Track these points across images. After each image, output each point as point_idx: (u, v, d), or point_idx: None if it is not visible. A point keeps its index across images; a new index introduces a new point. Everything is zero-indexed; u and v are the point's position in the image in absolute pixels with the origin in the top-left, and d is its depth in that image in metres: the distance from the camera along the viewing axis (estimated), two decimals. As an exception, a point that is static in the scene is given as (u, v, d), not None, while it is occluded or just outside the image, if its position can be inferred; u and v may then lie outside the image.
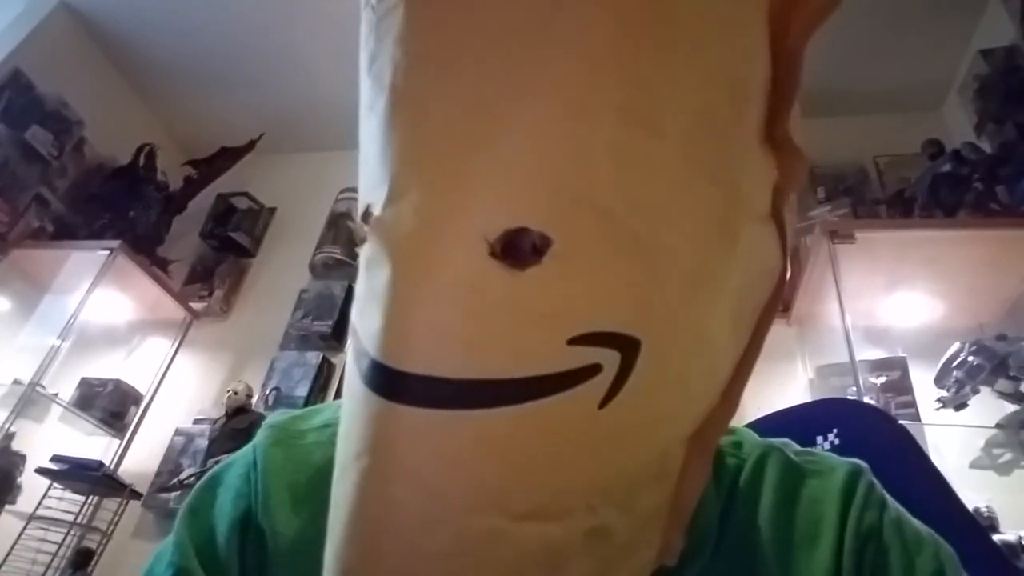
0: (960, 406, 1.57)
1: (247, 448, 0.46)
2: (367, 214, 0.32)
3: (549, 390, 0.29)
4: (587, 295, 0.30)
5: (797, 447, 0.45)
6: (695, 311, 0.33)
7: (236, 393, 2.03)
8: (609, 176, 0.29)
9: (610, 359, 0.30)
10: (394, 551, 0.30)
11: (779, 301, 0.37)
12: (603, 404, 0.30)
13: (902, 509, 0.41)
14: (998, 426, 1.61)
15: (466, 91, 0.29)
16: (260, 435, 0.46)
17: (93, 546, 1.95)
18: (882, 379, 1.72)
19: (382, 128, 0.31)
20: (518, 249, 0.29)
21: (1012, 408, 1.58)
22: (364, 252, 0.32)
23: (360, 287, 0.33)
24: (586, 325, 0.30)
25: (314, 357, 2.18)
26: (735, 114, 0.32)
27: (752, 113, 0.32)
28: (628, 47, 0.29)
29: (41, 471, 1.94)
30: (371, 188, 0.32)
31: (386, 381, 0.29)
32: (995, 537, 1.41)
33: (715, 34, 0.30)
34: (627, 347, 0.30)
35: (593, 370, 0.30)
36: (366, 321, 0.31)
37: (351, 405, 0.32)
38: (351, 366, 0.33)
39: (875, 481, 0.41)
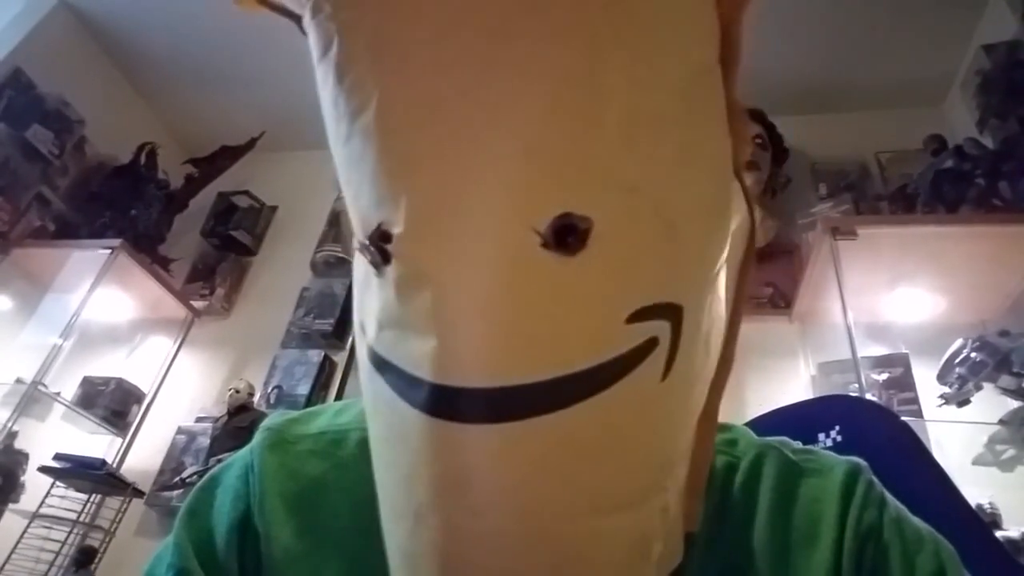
0: (963, 402, 1.56)
1: (245, 450, 0.46)
2: (383, 234, 0.29)
3: (620, 373, 0.30)
4: (634, 270, 0.30)
5: (795, 445, 0.45)
6: (711, 269, 0.34)
7: (238, 391, 2.04)
8: (628, 150, 0.29)
9: (663, 330, 0.31)
10: None
11: (753, 257, 0.39)
12: (664, 376, 0.31)
13: (902, 507, 0.41)
14: (1001, 422, 1.61)
15: (472, 88, 0.28)
16: (257, 437, 0.46)
17: (96, 544, 1.95)
18: (884, 376, 1.71)
19: (379, 140, 0.29)
20: (566, 235, 0.28)
21: (1015, 404, 1.58)
22: (388, 275, 0.30)
23: (387, 314, 0.31)
24: (639, 300, 0.30)
25: (316, 355, 2.18)
26: (711, 82, 0.33)
27: (718, 82, 0.33)
28: (622, 21, 0.29)
29: (44, 469, 1.95)
30: (376, 205, 0.30)
31: (458, 404, 0.28)
32: (998, 534, 1.41)
33: (680, 12, 0.31)
34: (674, 315, 0.31)
35: (652, 344, 0.30)
36: (410, 347, 0.29)
37: (403, 447, 0.30)
38: (391, 405, 0.31)
39: (874, 479, 0.41)
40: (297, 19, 0.35)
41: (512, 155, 0.28)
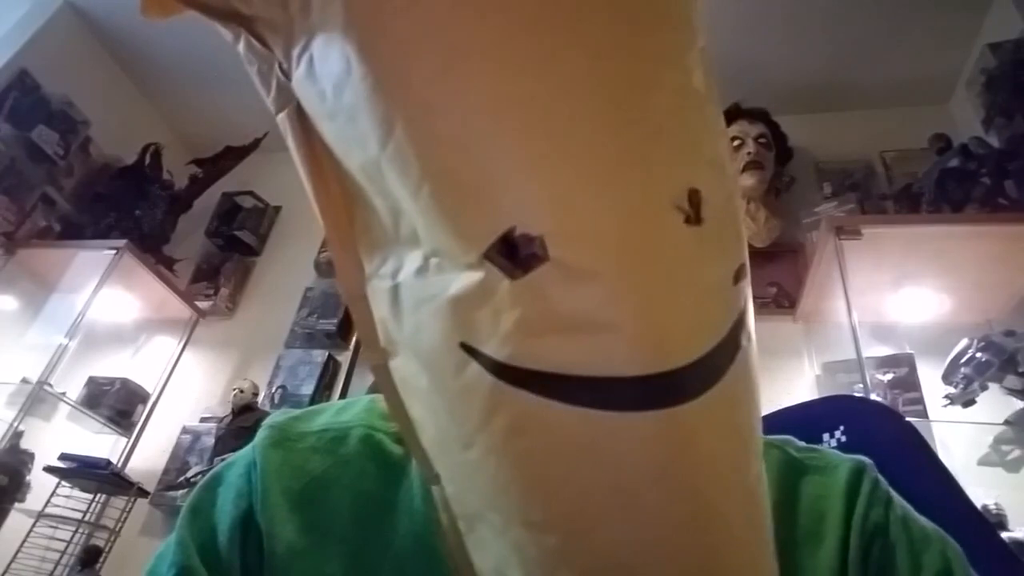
0: (968, 403, 1.55)
1: (247, 448, 0.46)
2: (520, 238, 0.28)
3: (740, 332, 0.32)
4: (730, 236, 0.32)
5: (800, 443, 0.45)
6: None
7: (242, 391, 2.04)
8: (704, 125, 0.31)
9: (747, 287, 0.33)
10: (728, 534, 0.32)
11: None
12: (752, 326, 0.34)
13: (908, 506, 0.41)
14: (1006, 423, 1.60)
15: (582, 76, 0.28)
16: (259, 435, 0.46)
17: (101, 544, 1.96)
18: (889, 376, 1.71)
19: (501, 142, 0.28)
20: (697, 209, 0.29)
21: (1021, 405, 1.57)
22: (536, 280, 0.28)
23: (540, 322, 0.29)
24: (735, 263, 0.32)
25: (320, 355, 2.19)
26: (710, 59, 0.33)
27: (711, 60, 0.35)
28: (686, 3, 0.31)
29: (49, 469, 1.95)
30: (505, 209, 0.28)
31: (661, 390, 0.28)
32: (1004, 535, 1.40)
33: None
34: (746, 272, 0.33)
35: (746, 300, 0.33)
36: (585, 348, 0.28)
37: (593, 458, 0.30)
38: (555, 417, 0.29)
39: (880, 477, 0.41)
40: (238, 22, 0.33)
41: (637, 138, 0.28)
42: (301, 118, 0.34)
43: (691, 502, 0.30)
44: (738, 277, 0.32)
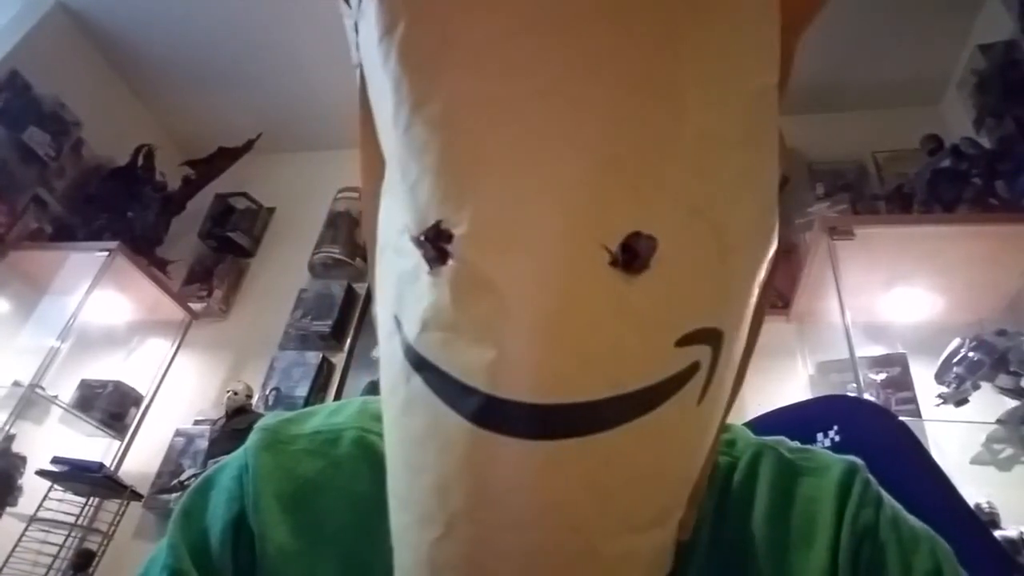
0: (961, 402, 1.56)
1: (240, 451, 0.46)
2: (441, 232, 0.29)
3: (663, 396, 0.30)
4: (689, 295, 0.30)
5: (792, 444, 0.45)
6: (752, 295, 0.34)
7: (236, 393, 2.03)
8: (697, 171, 0.29)
9: (705, 355, 0.31)
10: None
11: (774, 277, 0.38)
12: (700, 400, 0.31)
13: (899, 506, 0.41)
14: (999, 422, 1.61)
15: (548, 91, 0.27)
16: (251, 438, 0.46)
17: (94, 548, 1.95)
18: (882, 375, 1.72)
19: (446, 136, 0.29)
20: (635, 255, 0.28)
21: (1013, 404, 1.58)
22: (443, 275, 0.29)
23: (437, 315, 0.30)
24: (688, 325, 0.30)
25: (314, 357, 2.18)
26: (769, 105, 0.32)
27: (775, 105, 0.33)
28: (703, 34, 0.28)
29: (41, 473, 1.94)
30: (437, 201, 0.29)
31: (510, 418, 0.28)
32: (996, 533, 1.41)
33: (752, 33, 0.30)
34: (716, 340, 0.31)
35: (694, 368, 0.31)
36: (463, 354, 0.29)
37: (442, 453, 0.30)
38: (431, 408, 0.30)
39: (871, 478, 0.41)
40: None
41: (589, 166, 0.27)
42: (363, 75, 0.35)
43: (521, 540, 0.29)
44: (690, 341, 0.30)
